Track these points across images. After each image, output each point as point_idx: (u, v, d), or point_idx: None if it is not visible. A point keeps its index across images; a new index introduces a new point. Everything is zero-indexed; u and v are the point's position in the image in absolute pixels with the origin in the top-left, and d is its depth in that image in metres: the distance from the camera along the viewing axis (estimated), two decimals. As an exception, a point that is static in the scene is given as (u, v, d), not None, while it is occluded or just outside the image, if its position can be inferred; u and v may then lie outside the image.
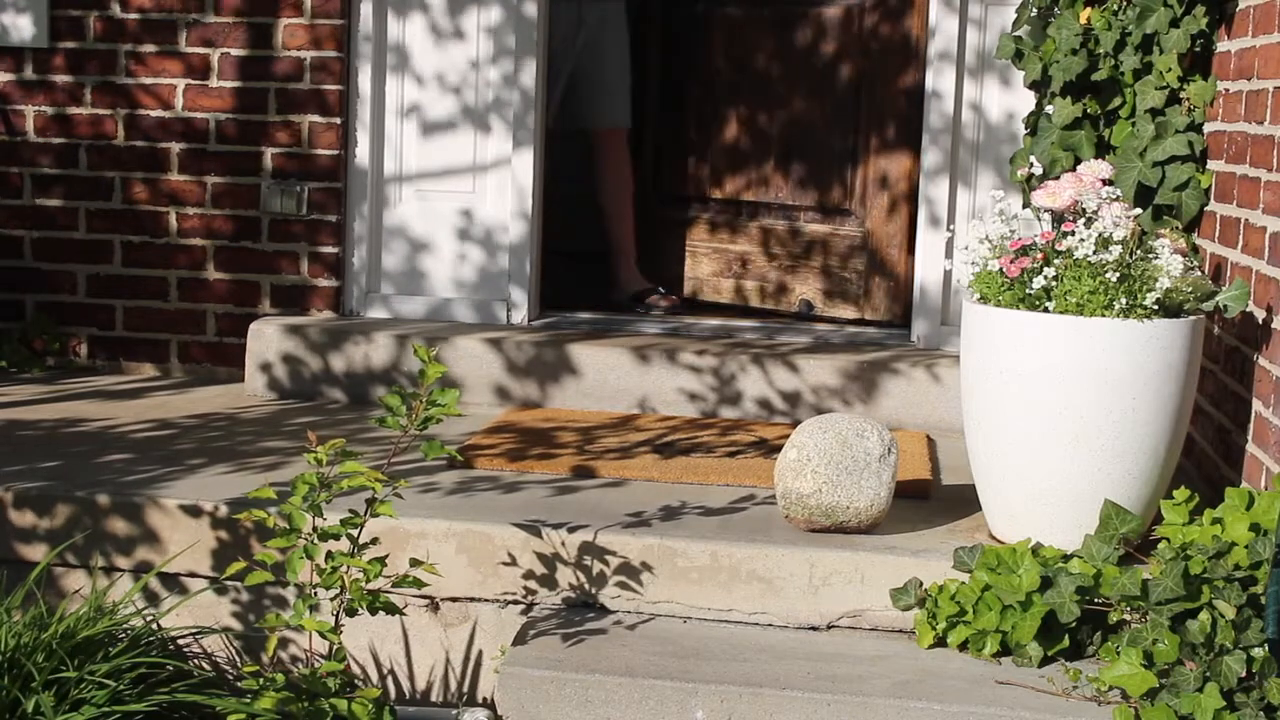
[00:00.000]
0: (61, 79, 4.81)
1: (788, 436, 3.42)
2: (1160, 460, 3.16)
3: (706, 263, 5.28)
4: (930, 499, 3.63)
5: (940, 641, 3.09)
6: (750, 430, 4.28)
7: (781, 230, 5.11)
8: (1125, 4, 3.86)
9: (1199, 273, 3.32)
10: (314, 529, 2.93)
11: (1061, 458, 3.13)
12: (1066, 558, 3.06)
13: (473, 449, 3.92)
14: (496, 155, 4.79)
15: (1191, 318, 3.16)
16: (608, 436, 4.12)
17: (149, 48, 4.77)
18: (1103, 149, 3.90)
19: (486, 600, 3.30)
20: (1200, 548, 2.87)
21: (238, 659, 3.35)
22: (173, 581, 3.38)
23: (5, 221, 4.86)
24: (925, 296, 4.68)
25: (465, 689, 3.33)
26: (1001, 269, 3.17)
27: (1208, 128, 3.77)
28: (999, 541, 3.26)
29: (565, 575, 3.26)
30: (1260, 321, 3.29)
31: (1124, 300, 3.08)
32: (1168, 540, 2.96)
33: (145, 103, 4.78)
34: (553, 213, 5.06)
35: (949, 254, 4.54)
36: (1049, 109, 4.00)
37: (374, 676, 3.36)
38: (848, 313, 4.95)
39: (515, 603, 3.28)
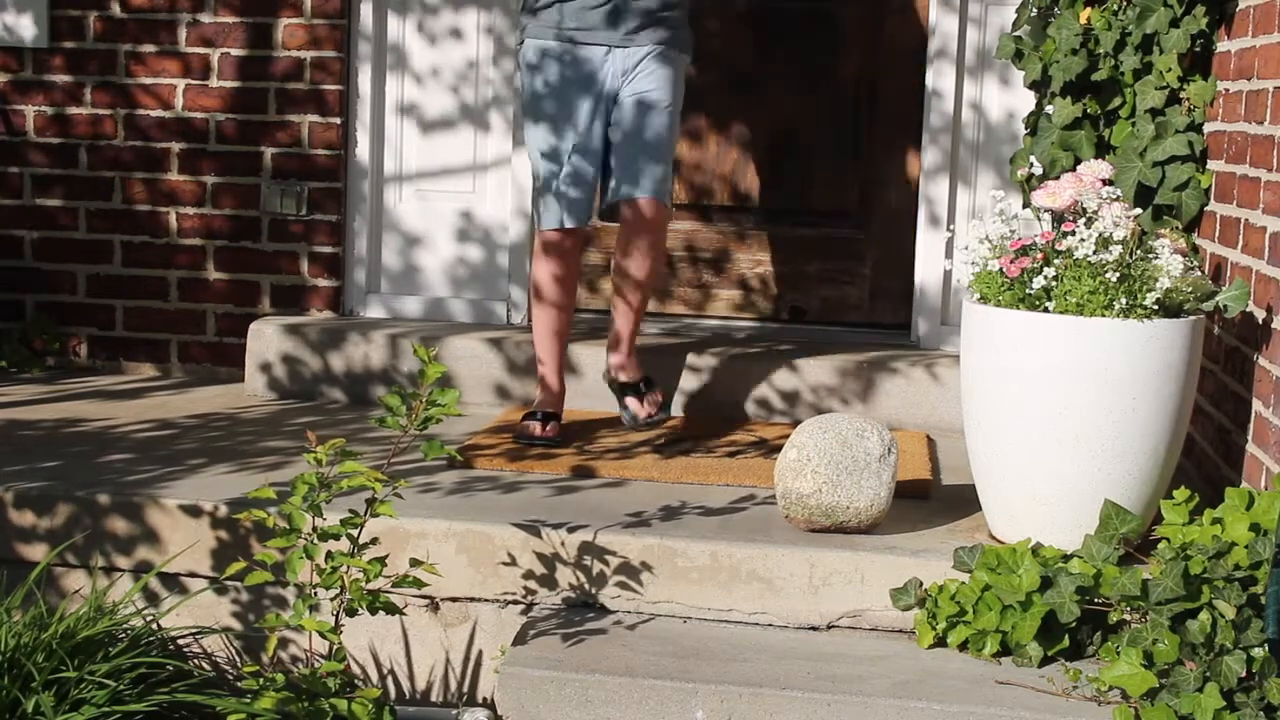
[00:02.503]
0: (61, 79, 4.80)
1: (788, 436, 3.42)
2: (1160, 460, 3.16)
3: (706, 267, 5.28)
4: (930, 499, 3.63)
5: (940, 641, 3.09)
6: (750, 430, 4.27)
7: (782, 232, 5.10)
8: (1125, 4, 3.86)
9: (1199, 273, 3.31)
10: (314, 529, 2.92)
11: (1061, 458, 3.13)
12: (1066, 558, 3.06)
13: (473, 449, 3.92)
14: (496, 155, 4.79)
15: (1191, 318, 3.16)
16: (608, 436, 4.12)
17: (148, 47, 4.77)
18: (1103, 149, 3.90)
19: (486, 600, 3.29)
20: (1200, 548, 2.86)
21: (238, 659, 3.35)
22: (173, 581, 3.38)
23: (5, 221, 4.86)
24: (925, 296, 4.68)
25: (465, 689, 3.32)
26: (1001, 269, 3.17)
27: (1208, 128, 3.77)
28: (999, 541, 3.26)
29: (565, 575, 3.26)
30: (1260, 321, 3.29)
31: (1124, 300, 3.08)
32: (1168, 540, 2.96)
33: (145, 102, 4.78)
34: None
35: (949, 254, 4.54)
36: (1049, 109, 4.00)
37: (374, 676, 3.36)
38: (848, 313, 4.95)
39: (515, 603, 3.28)
